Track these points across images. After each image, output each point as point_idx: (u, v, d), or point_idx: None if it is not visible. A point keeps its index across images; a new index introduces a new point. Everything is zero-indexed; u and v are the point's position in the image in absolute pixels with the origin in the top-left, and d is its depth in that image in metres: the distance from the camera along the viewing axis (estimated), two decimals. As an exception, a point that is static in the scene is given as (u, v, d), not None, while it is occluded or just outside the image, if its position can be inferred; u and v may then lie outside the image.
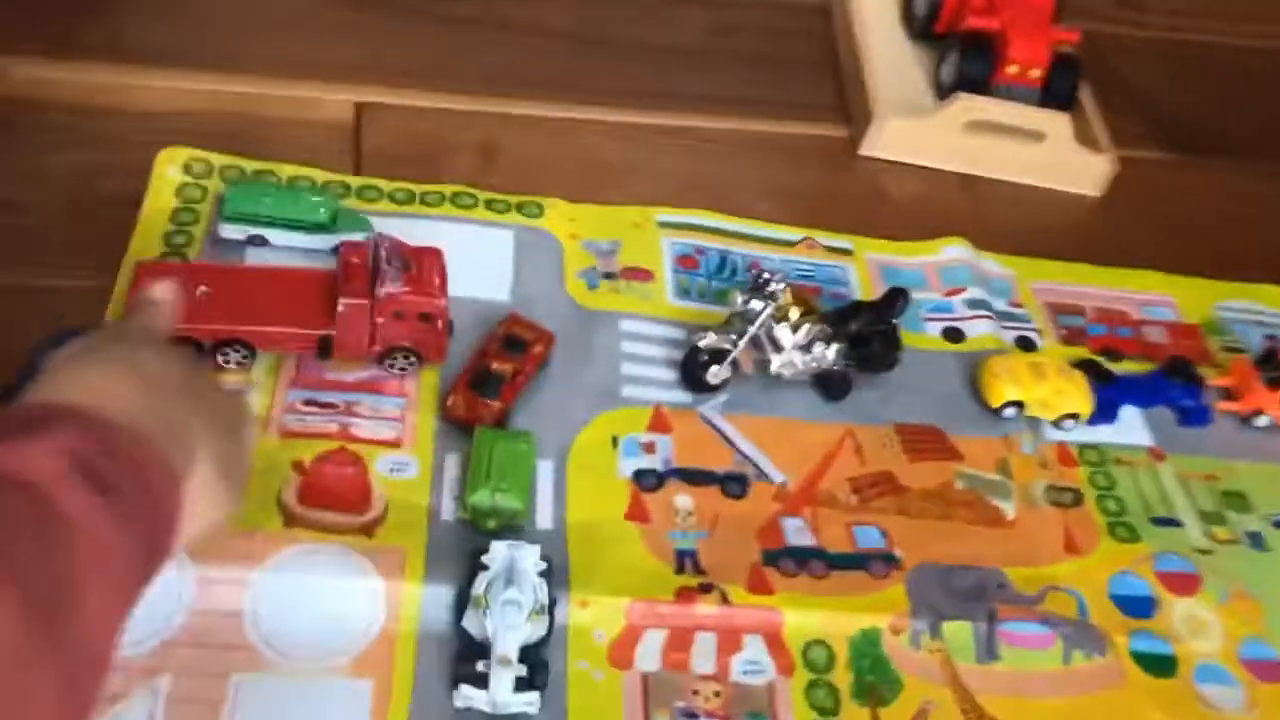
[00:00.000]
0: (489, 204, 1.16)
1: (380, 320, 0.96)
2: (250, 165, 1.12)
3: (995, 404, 1.10)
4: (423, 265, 0.98)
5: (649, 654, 0.89)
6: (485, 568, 0.87)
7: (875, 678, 0.91)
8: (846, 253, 1.23)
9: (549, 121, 1.27)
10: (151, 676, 0.80)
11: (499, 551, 0.88)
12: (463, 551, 0.89)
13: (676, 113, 1.32)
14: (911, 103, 1.37)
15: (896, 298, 1.10)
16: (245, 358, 0.97)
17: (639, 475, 0.99)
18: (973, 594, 0.97)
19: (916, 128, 1.33)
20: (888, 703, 0.90)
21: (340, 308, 0.95)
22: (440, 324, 0.98)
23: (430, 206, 1.14)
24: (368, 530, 0.90)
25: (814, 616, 0.93)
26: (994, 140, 1.34)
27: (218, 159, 1.12)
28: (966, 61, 1.35)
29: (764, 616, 0.92)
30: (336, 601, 0.85)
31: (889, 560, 0.98)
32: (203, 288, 0.95)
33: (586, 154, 1.25)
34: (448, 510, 0.93)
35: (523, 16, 1.39)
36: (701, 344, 1.04)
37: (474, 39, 1.34)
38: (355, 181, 1.14)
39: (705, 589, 0.92)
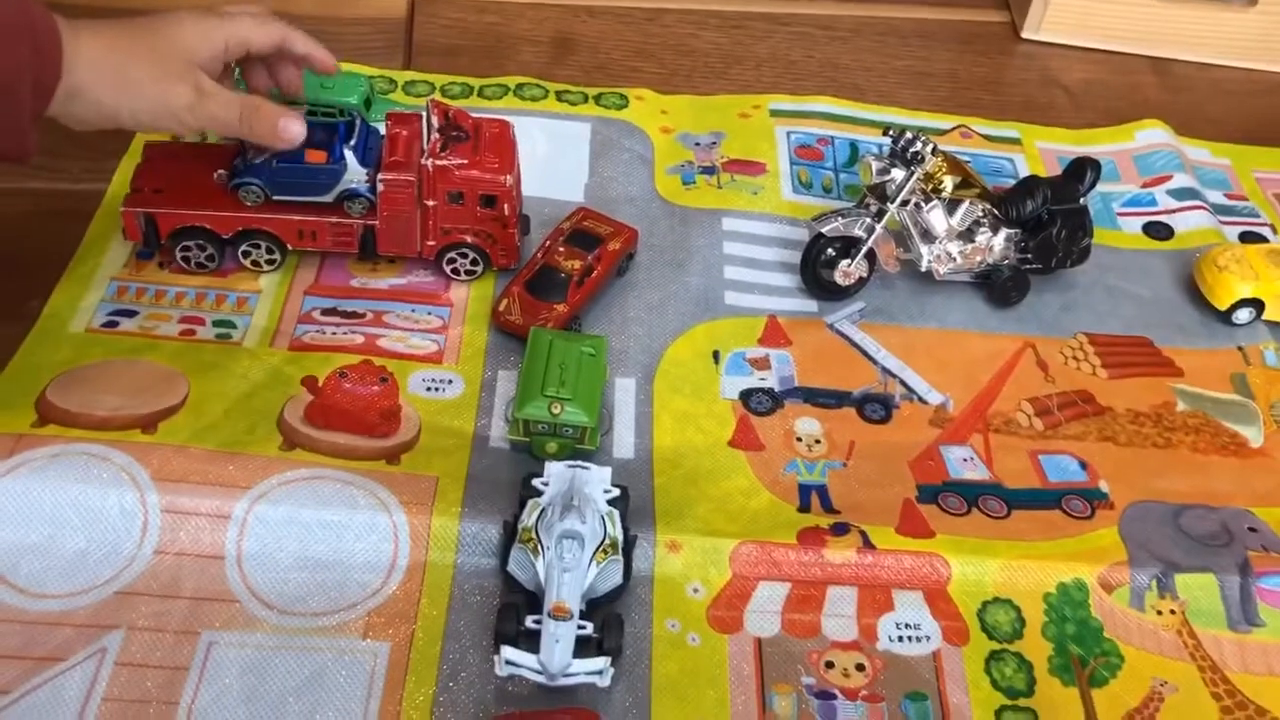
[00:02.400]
0: (560, 96, 0.96)
1: (432, 204, 0.76)
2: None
3: (1224, 305, 0.84)
4: (484, 137, 0.78)
5: (764, 614, 0.65)
6: (537, 494, 0.65)
7: (1083, 649, 0.65)
8: (1013, 142, 0.99)
9: (631, 11, 1.07)
10: (98, 634, 0.61)
11: (556, 472, 0.66)
12: (516, 479, 0.68)
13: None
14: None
15: (1085, 169, 0.84)
16: (272, 256, 0.79)
17: (748, 396, 0.76)
18: (1215, 539, 0.70)
19: (1091, -1, 1.08)
20: (1103, 682, 0.64)
21: (380, 186, 0.76)
22: (508, 211, 0.77)
23: (491, 100, 0.94)
24: (391, 456, 0.69)
25: (991, 566, 0.67)
26: (1192, 9, 1.07)
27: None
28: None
29: (922, 566, 0.67)
30: (347, 541, 0.64)
31: (1092, 496, 0.72)
32: (220, 172, 0.77)
33: (677, 44, 1.04)
34: (499, 436, 0.72)
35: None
36: (825, 230, 0.80)
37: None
38: (402, 76, 0.96)
39: (839, 530, 0.68)
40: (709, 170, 0.92)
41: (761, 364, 0.79)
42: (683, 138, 0.94)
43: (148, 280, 0.78)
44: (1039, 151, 0.98)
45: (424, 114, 0.78)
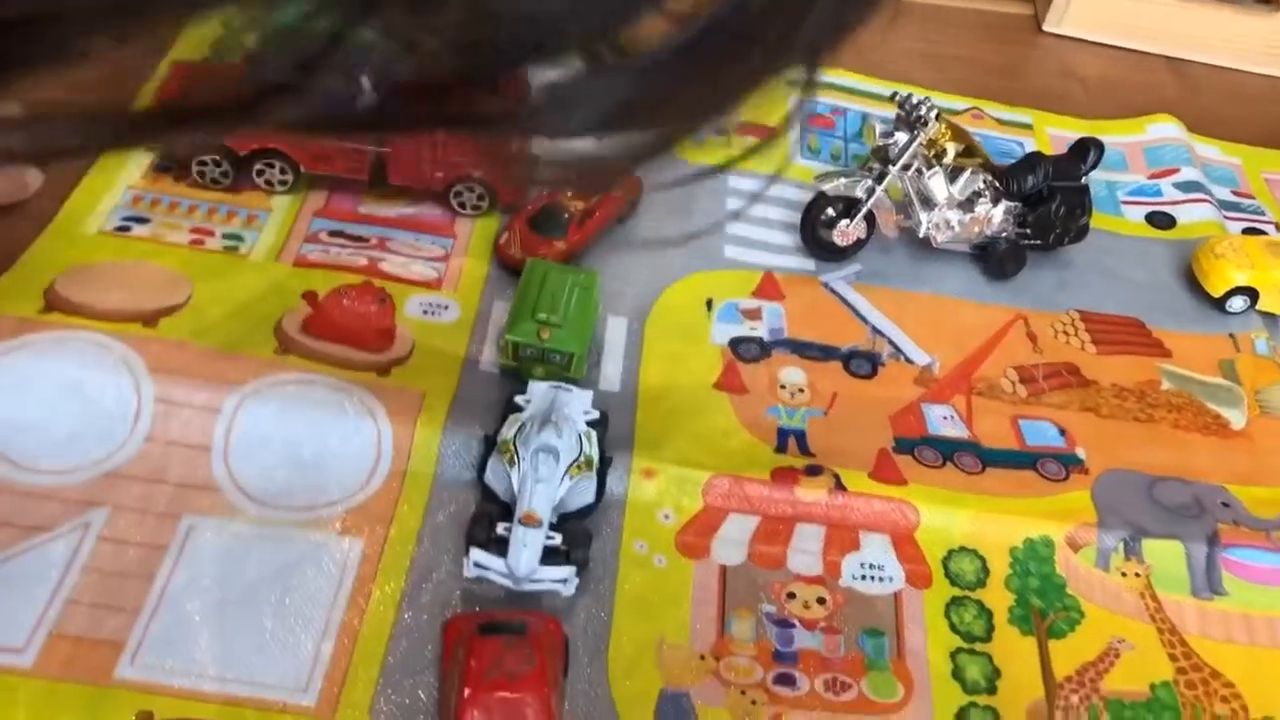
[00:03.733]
0: (583, 51, 0.98)
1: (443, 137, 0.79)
2: None
3: (1218, 291, 0.84)
4: None
5: (731, 543, 0.67)
6: (519, 409, 0.67)
7: (1044, 602, 0.66)
8: (1024, 126, 1.00)
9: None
10: (85, 509, 0.63)
11: (538, 391, 0.67)
12: (500, 403, 0.69)
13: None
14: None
15: (1088, 149, 0.85)
16: (286, 176, 0.81)
17: (737, 343, 0.78)
18: (1186, 510, 0.71)
19: (1114, -6, 1.09)
20: (1061, 634, 0.65)
21: None
22: (520, 151, 0.79)
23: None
24: (382, 369, 0.71)
25: (960, 517, 0.68)
26: (1212, 10, 1.08)
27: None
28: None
29: (892, 511, 0.68)
30: (331, 442, 0.66)
31: (1068, 461, 0.73)
32: None
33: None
34: (489, 361, 0.74)
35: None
36: (826, 189, 0.82)
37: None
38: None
39: (813, 471, 0.69)
40: (720, 130, 0.93)
41: (753, 315, 0.80)
42: (697, 99, 0.96)
43: (163, 191, 0.80)
44: (1049, 137, 0.99)
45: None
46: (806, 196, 0.87)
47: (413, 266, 0.79)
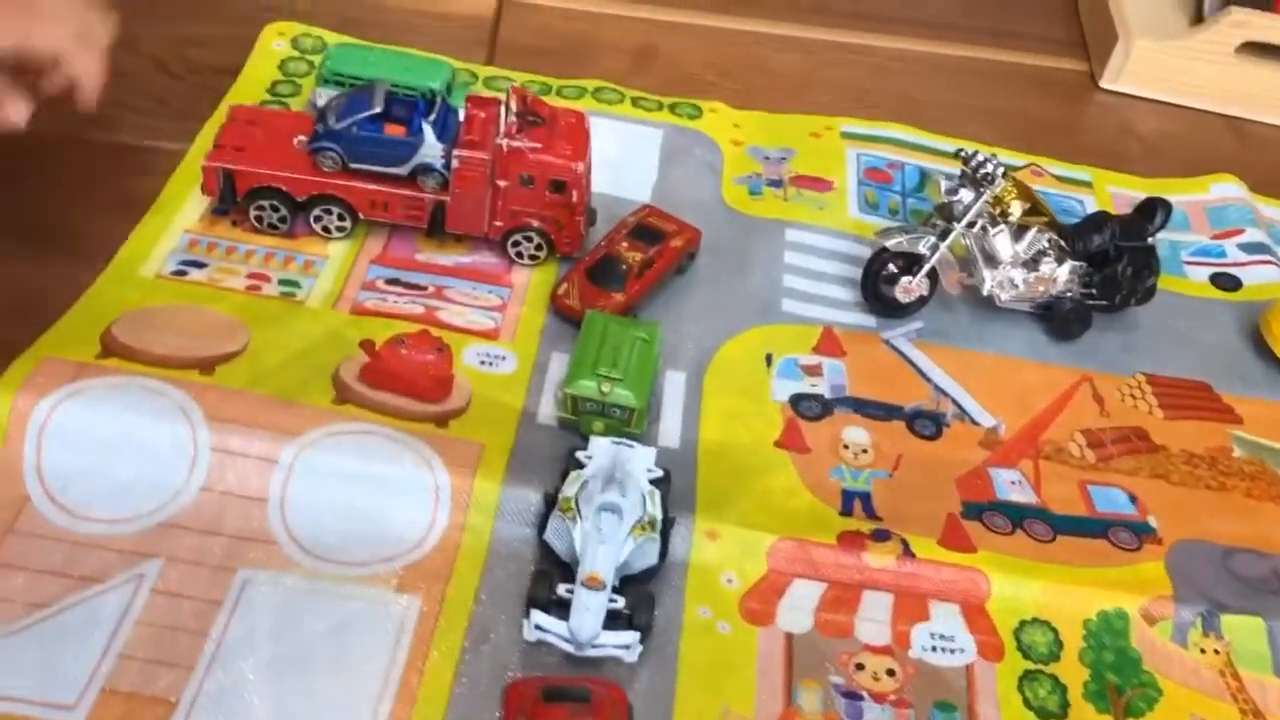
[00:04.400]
0: (636, 102, 0.97)
1: (503, 184, 0.78)
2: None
3: (1289, 357, 0.83)
4: (559, 125, 0.79)
5: (797, 610, 0.65)
6: (580, 466, 0.65)
7: (1120, 678, 0.64)
8: (1084, 184, 0.98)
9: (714, 30, 1.09)
10: (138, 560, 0.61)
11: (600, 447, 0.66)
12: (559, 457, 0.68)
13: (858, 30, 1.11)
14: (1164, 27, 1.11)
15: (1155, 208, 0.84)
16: (344, 222, 0.80)
17: (798, 400, 0.76)
18: (1265, 584, 0.69)
19: (1171, 52, 1.08)
20: (1139, 713, 0.63)
21: (455, 162, 0.77)
22: (576, 198, 0.78)
23: (568, 100, 0.96)
24: (440, 420, 0.70)
25: (1033, 588, 0.66)
26: (1271, 70, 1.07)
27: (333, 37, 0.97)
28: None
29: (962, 579, 0.66)
30: (388, 496, 0.65)
31: (1140, 530, 0.71)
32: (301, 137, 0.79)
33: (753, 64, 1.06)
34: (547, 414, 0.72)
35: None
36: (889, 244, 0.80)
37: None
38: (484, 71, 0.98)
39: (880, 536, 0.67)
40: (776, 183, 0.92)
41: (814, 371, 0.79)
42: (752, 150, 0.95)
43: (220, 236, 0.79)
44: (1110, 196, 0.98)
45: (503, 99, 0.79)
46: (863, 251, 0.86)
47: (470, 315, 0.77)
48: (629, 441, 0.67)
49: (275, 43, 0.96)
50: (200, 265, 0.77)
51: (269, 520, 0.64)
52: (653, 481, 0.65)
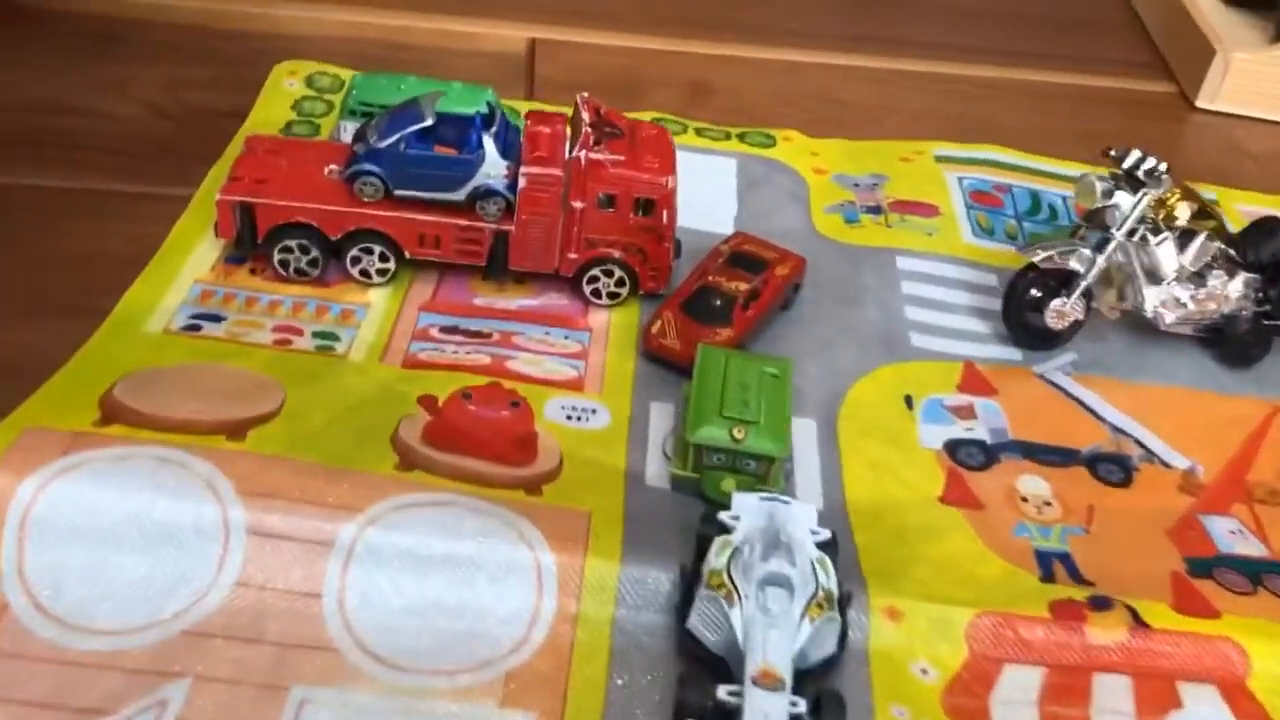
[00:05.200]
0: (700, 132, 0.85)
1: (580, 205, 0.65)
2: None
3: None
4: (640, 137, 0.67)
5: (1015, 705, 0.50)
6: (725, 531, 0.51)
7: None
8: (1209, 203, 0.87)
9: (768, 63, 0.98)
10: (158, 683, 0.46)
11: (748, 506, 0.52)
12: (682, 524, 0.54)
13: (929, 59, 1.01)
14: (1254, 46, 1.02)
15: (1327, 211, 0.72)
16: (386, 264, 0.67)
17: (954, 447, 0.63)
18: None
19: (1272, 63, 0.98)
20: None
21: (523, 181, 0.64)
22: (666, 220, 0.66)
23: (626, 132, 0.84)
24: (531, 486, 0.55)
25: (1302, 658, 0.52)
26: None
27: (350, 74, 0.85)
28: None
29: (1211, 653, 0.52)
30: (478, 583, 0.50)
31: (1404, 582, 0.58)
32: (332, 166, 0.66)
33: (821, 94, 0.95)
34: (656, 473, 0.58)
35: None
36: (1038, 259, 0.68)
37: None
38: (525, 105, 0.86)
39: (1100, 604, 0.53)
40: (874, 210, 0.80)
41: (965, 413, 0.65)
42: (839, 178, 0.83)
43: (238, 285, 0.66)
44: (1238, 214, 0.86)
45: (571, 111, 0.67)
46: (987, 278, 0.74)
47: (547, 364, 0.64)
48: (783, 497, 0.52)
49: (287, 81, 0.84)
50: (216, 319, 0.63)
51: (326, 621, 0.49)
52: (820, 546, 0.51)
